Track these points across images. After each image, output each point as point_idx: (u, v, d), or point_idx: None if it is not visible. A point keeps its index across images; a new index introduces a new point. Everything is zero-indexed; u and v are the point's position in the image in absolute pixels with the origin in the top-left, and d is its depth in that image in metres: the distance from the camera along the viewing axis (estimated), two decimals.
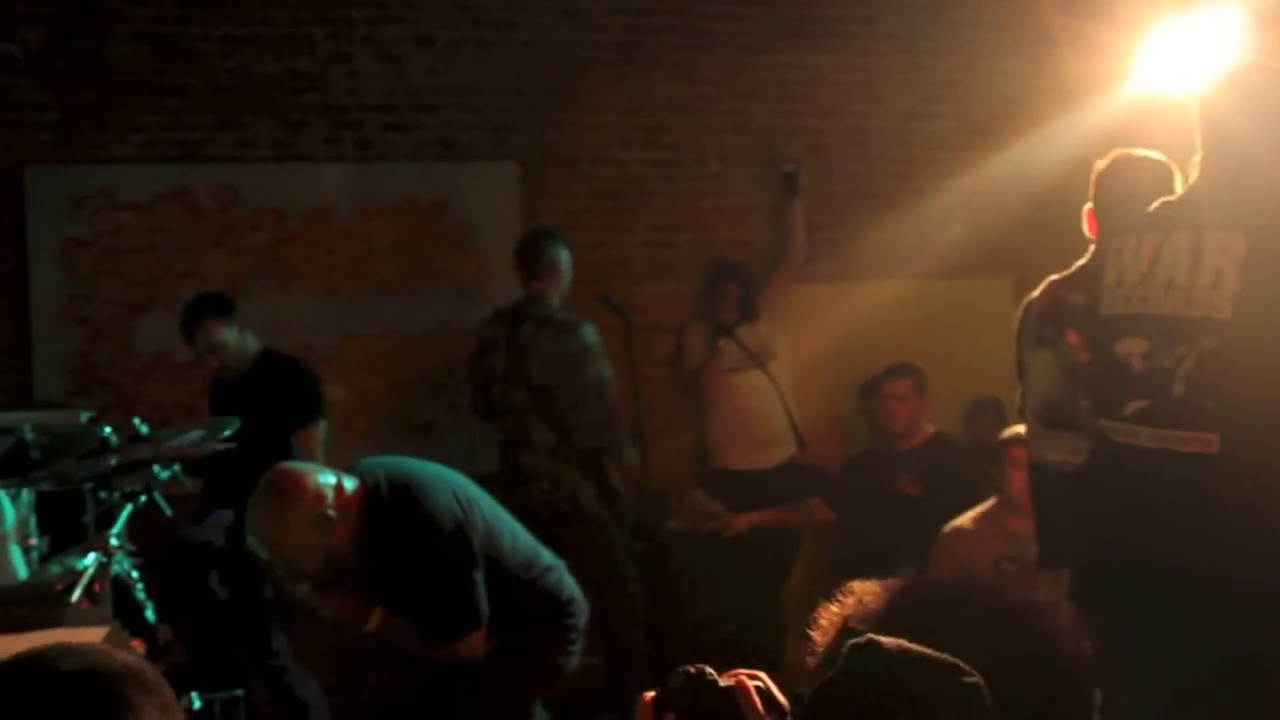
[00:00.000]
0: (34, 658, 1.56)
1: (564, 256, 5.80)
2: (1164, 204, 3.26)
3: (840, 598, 1.67)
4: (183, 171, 6.23)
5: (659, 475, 6.11)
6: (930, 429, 6.27)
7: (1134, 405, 3.17)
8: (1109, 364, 3.27)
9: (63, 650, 1.57)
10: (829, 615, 1.66)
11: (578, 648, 4.20)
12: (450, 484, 4.03)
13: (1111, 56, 6.40)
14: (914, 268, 6.85)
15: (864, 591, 1.66)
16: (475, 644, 3.93)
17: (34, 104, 6.06)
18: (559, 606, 4.16)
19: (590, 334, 5.65)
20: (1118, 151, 4.00)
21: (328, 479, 3.79)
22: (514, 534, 4.15)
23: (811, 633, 1.67)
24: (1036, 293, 4.23)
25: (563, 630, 4.17)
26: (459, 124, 6.53)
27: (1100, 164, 4.02)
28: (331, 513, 3.71)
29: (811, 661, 1.66)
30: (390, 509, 3.84)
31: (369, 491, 3.85)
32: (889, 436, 6.28)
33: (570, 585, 4.23)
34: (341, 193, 6.41)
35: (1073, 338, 3.96)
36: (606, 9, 6.71)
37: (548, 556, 4.23)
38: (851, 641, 1.50)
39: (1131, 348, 3.19)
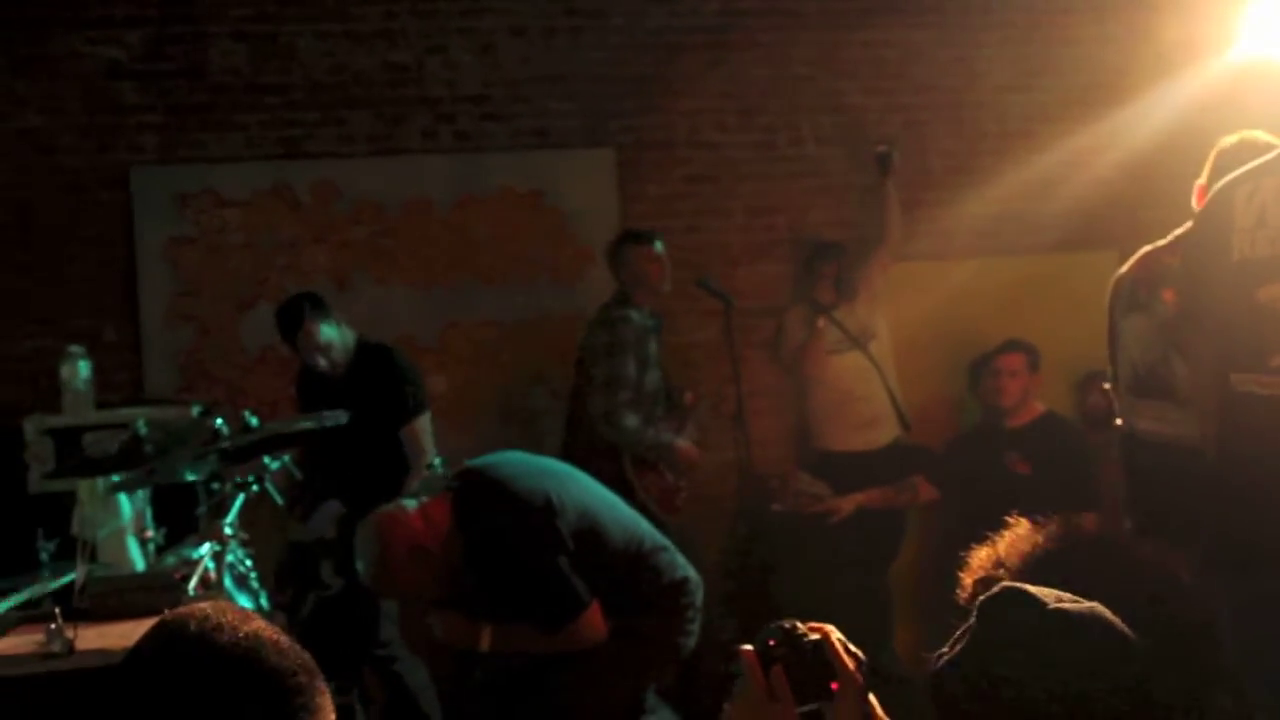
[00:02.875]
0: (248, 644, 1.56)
1: (621, 255, 5.90)
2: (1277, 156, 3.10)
3: (993, 540, 1.68)
4: (283, 168, 6.32)
5: (761, 458, 6.10)
6: (1040, 407, 6.18)
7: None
8: (1247, 311, 3.01)
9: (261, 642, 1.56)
10: (979, 557, 1.67)
11: (694, 627, 4.21)
12: (538, 470, 4.08)
13: (1212, 22, 6.28)
14: (1015, 243, 6.77)
15: (1015, 529, 1.66)
16: (591, 625, 3.94)
17: (138, 105, 6.18)
18: (672, 586, 4.16)
19: (626, 330, 5.72)
20: (1244, 133, 3.91)
21: (410, 506, 3.87)
22: (615, 514, 4.17)
23: (961, 574, 1.68)
24: (1128, 265, 4.18)
25: (677, 610, 4.17)
26: (554, 112, 6.56)
27: (1225, 142, 3.93)
28: (428, 545, 3.79)
29: (963, 596, 1.68)
30: (472, 505, 3.90)
31: (454, 496, 3.91)
32: (998, 413, 6.20)
33: (682, 565, 4.23)
34: (440, 184, 6.46)
35: (1168, 295, 3.89)
36: None
37: (657, 537, 4.24)
38: (995, 590, 1.51)
39: (1277, 293, 2.99)
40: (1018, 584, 1.57)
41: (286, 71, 6.32)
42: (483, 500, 3.91)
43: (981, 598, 1.57)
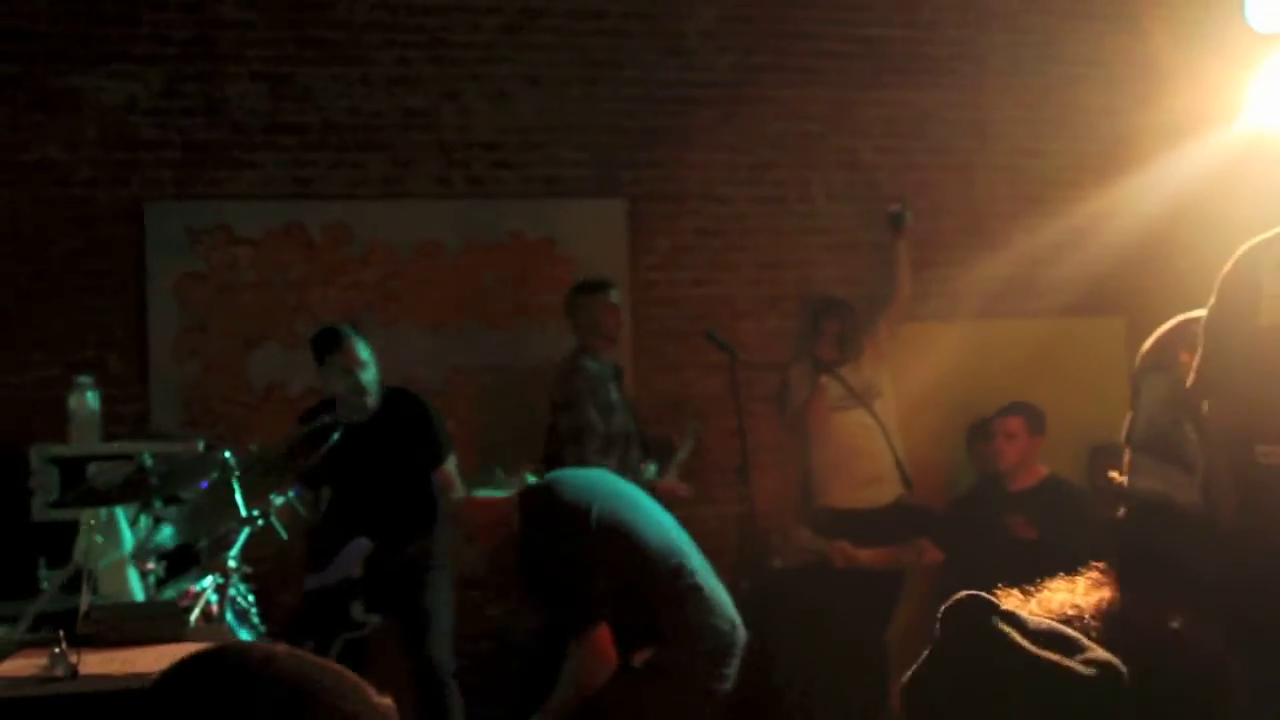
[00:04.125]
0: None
1: (577, 304, 6.07)
2: None
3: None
4: (296, 207, 6.35)
5: (763, 513, 6.08)
6: (1043, 470, 6.17)
7: None
8: (1276, 380, 2.99)
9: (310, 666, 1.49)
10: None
11: (730, 672, 4.23)
12: (598, 485, 4.41)
13: (1219, 93, 6.31)
14: (1023, 306, 6.79)
15: (1004, 599, 1.64)
16: (597, 648, 4.04)
17: (154, 142, 6.22)
18: (713, 629, 4.20)
19: (581, 380, 5.88)
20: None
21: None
22: (665, 538, 4.31)
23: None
24: (1162, 329, 4.17)
25: (713, 652, 4.19)
26: (567, 161, 6.60)
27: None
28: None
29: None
30: (525, 503, 4.32)
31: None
32: (997, 476, 6.19)
33: (728, 608, 4.29)
34: (450, 229, 6.49)
35: (1185, 356, 3.89)
36: (713, 47, 6.76)
37: (707, 575, 4.33)
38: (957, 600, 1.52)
39: None
40: (979, 594, 1.57)
41: (303, 112, 6.37)
42: (533, 499, 4.32)
43: (945, 606, 1.58)
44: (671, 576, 4.22)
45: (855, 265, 6.83)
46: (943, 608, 1.58)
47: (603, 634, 4.05)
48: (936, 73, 6.93)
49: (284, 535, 4.39)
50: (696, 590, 4.25)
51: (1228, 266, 3.80)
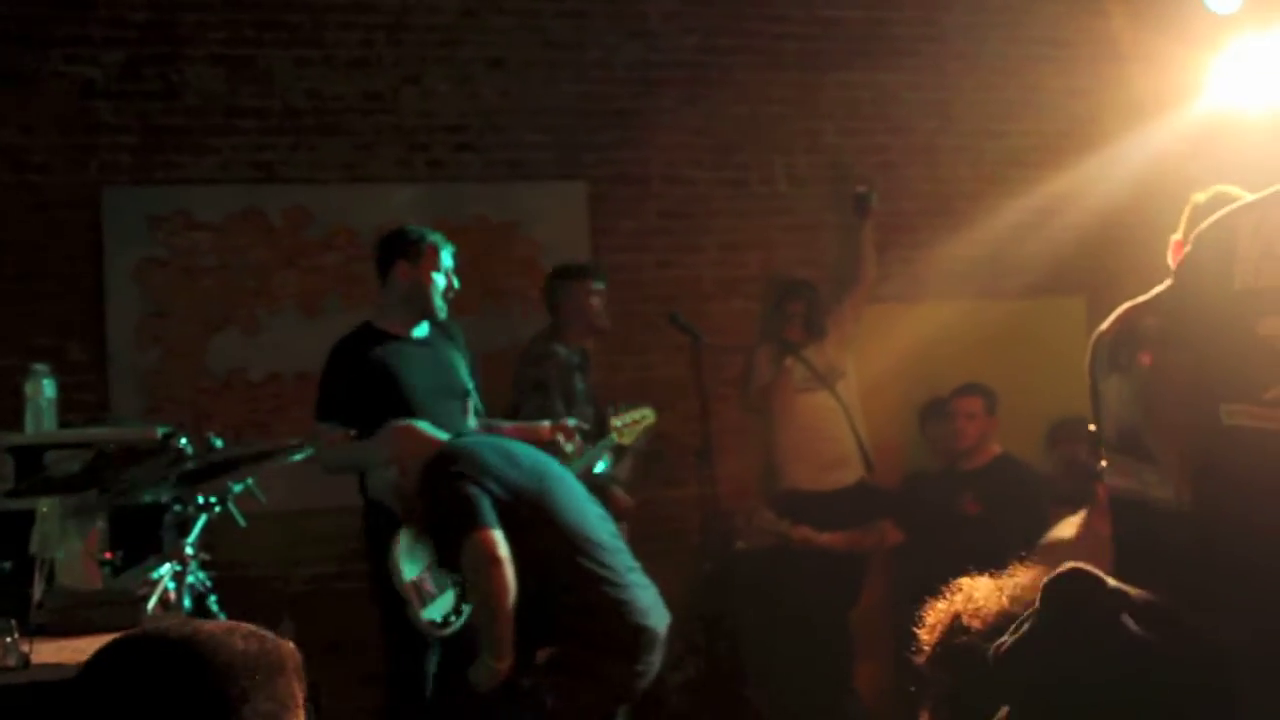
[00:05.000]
0: (175, 638, 1.55)
1: (557, 289, 5.99)
2: None
3: (948, 595, 1.65)
4: (257, 192, 6.31)
5: (726, 495, 6.09)
6: (996, 449, 6.21)
7: (1275, 390, 2.76)
8: (1244, 343, 2.86)
9: (195, 629, 1.56)
10: (936, 613, 1.63)
11: (644, 668, 4.18)
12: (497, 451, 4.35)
13: (1183, 73, 6.34)
14: (985, 287, 6.81)
15: (974, 588, 1.63)
16: (486, 548, 4.00)
17: (112, 126, 6.17)
18: (636, 630, 4.14)
19: (551, 366, 5.81)
20: (1217, 187, 3.93)
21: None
22: (584, 524, 4.25)
23: (918, 631, 1.64)
24: (1107, 322, 4.18)
25: (627, 648, 4.15)
26: (529, 144, 6.58)
27: (1199, 197, 3.96)
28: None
29: (919, 659, 1.64)
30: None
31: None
32: (954, 455, 6.22)
33: (652, 608, 4.21)
34: (413, 213, 6.43)
35: (1145, 359, 3.89)
36: (676, 29, 6.74)
37: (626, 559, 4.27)
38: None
39: (1277, 329, 2.80)
40: (1084, 568, 1.55)
41: (262, 96, 6.32)
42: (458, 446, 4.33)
43: (1047, 580, 1.56)
44: (590, 560, 4.16)
45: (819, 247, 6.83)
46: (1045, 581, 1.55)
47: (488, 536, 4.01)
48: (899, 54, 6.93)
49: (242, 523, 4.37)
50: (611, 578, 4.18)
51: (1204, 226, 3.81)
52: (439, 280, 5.10)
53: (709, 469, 5.89)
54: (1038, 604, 1.52)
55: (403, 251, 5.08)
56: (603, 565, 4.18)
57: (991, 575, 1.63)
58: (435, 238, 5.14)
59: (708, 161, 6.76)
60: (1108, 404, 4.08)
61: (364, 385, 4.90)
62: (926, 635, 1.62)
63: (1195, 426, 2.89)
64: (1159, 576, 3.26)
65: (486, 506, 4.07)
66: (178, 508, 4.38)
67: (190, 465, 4.12)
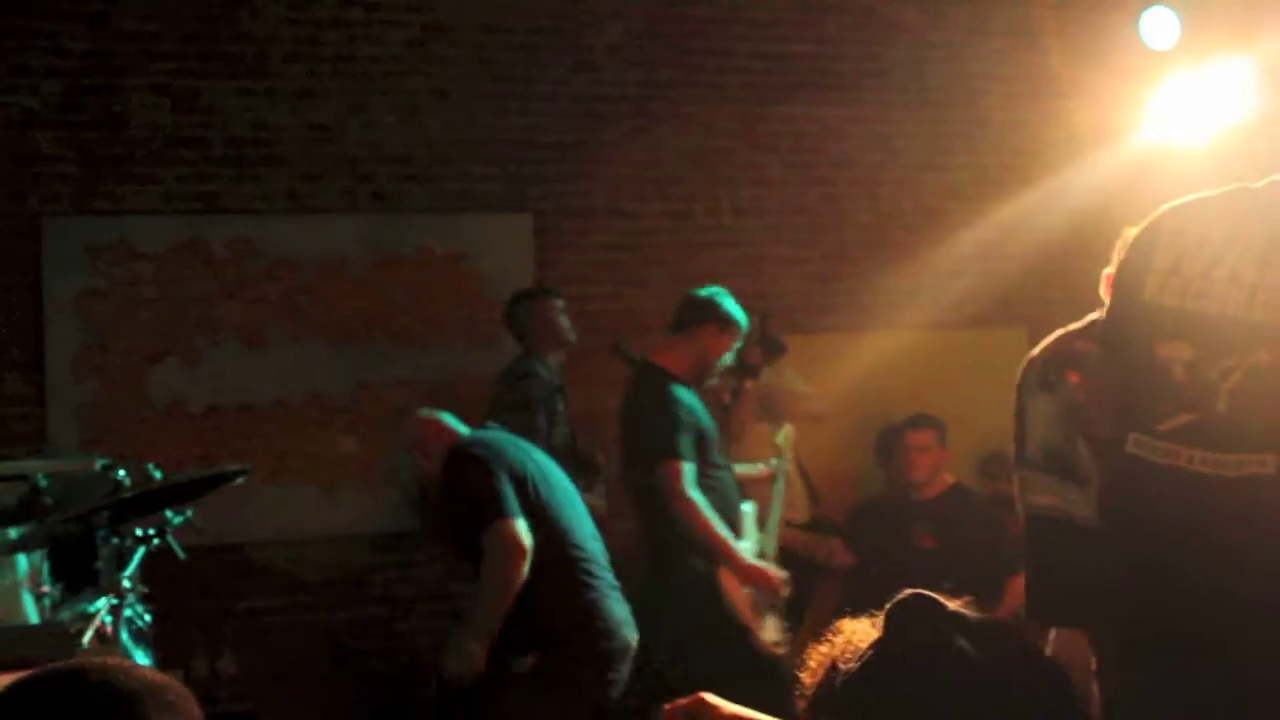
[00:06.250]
0: (62, 672, 1.56)
1: (523, 311, 6.01)
2: (1235, 192, 2.77)
3: (829, 637, 1.64)
4: (199, 223, 6.28)
5: None
6: (949, 480, 6.25)
7: (1174, 420, 2.66)
8: (1146, 368, 2.74)
9: (85, 665, 1.57)
10: (817, 656, 1.63)
11: (618, 678, 4.25)
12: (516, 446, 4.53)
13: (1121, 107, 6.44)
14: (927, 318, 6.86)
15: (852, 629, 1.63)
16: (510, 537, 4.17)
17: (53, 156, 6.12)
18: (606, 630, 4.24)
19: (535, 386, 5.81)
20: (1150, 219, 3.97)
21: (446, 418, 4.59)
22: (581, 530, 4.44)
23: (800, 674, 1.64)
24: (1039, 348, 4.22)
25: (606, 655, 4.22)
26: (475, 176, 6.58)
27: (1131, 231, 4.00)
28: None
29: (800, 704, 1.63)
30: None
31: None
32: (908, 486, 6.25)
33: (620, 609, 4.33)
34: (357, 244, 6.44)
35: (1073, 378, 3.91)
36: (621, 62, 6.77)
37: (610, 574, 4.39)
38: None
39: (1175, 352, 2.69)
40: (925, 594, 1.57)
41: (206, 126, 6.29)
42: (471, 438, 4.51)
43: (889, 605, 1.57)
44: (579, 569, 4.27)
45: (764, 280, 6.86)
46: (887, 606, 1.56)
47: (513, 526, 4.16)
48: (842, 88, 6.99)
49: (181, 555, 4.32)
50: (597, 589, 4.30)
51: (1139, 226, 3.84)
52: (726, 360, 5.28)
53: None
54: (880, 630, 1.54)
55: (716, 319, 5.21)
56: (591, 575, 4.32)
57: (870, 615, 1.63)
58: (744, 326, 5.31)
59: (653, 194, 6.78)
60: (1033, 422, 4.10)
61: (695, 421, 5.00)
62: (808, 678, 1.61)
63: (1110, 458, 2.85)
64: (1075, 596, 3.27)
65: (511, 495, 4.23)
66: (115, 540, 4.32)
67: (128, 496, 4.07)
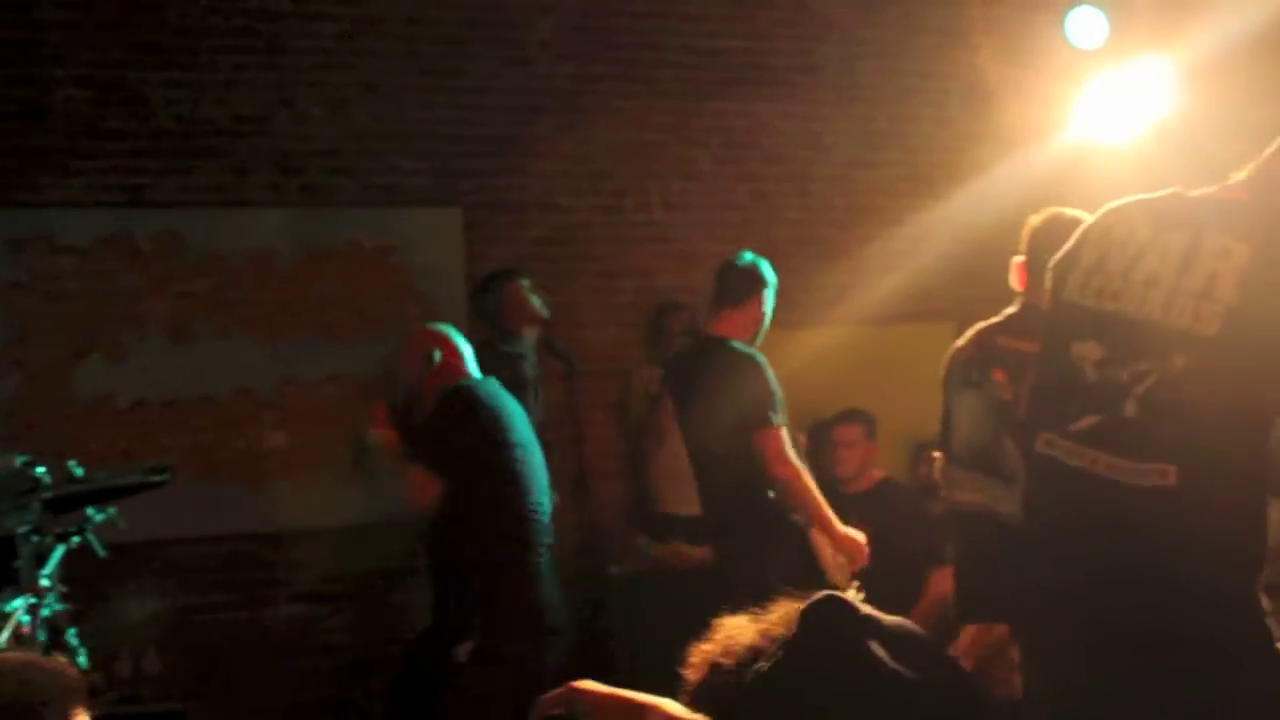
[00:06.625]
0: None
1: (494, 293, 6.06)
2: (1169, 196, 2.77)
3: (711, 635, 1.65)
4: (125, 216, 6.19)
5: (601, 520, 6.10)
6: (878, 474, 6.28)
7: (1083, 421, 2.66)
8: (1061, 367, 2.74)
9: None
10: (700, 653, 1.63)
11: (548, 659, 4.29)
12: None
13: (1049, 105, 6.49)
14: (857, 314, 6.89)
15: (732, 625, 1.63)
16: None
17: None
18: (543, 609, 4.32)
19: (525, 366, 5.91)
20: (1052, 209, 4.04)
21: (452, 333, 4.63)
22: (542, 504, 4.50)
23: (683, 672, 1.64)
24: (963, 340, 4.26)
25: (541, 633, 4.28)
26: (404, 169, 6.54)
27: (1035, 220, 4.07)
28: (437, 352, 4.52)
29: (683, 700, 1.63)
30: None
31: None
32: (836, 481, 6.28)
33: (555, 596, 4.43)
34: (285, 238, 6.39)
35: (998, 375, 3.96)
36: (553, 57, 6.75)
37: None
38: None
39: (1087, 352, 2.69)
40: (837, 595, 1.57)
41: (132, 118, 6.21)
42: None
43: (802, 607, 1.57)
44: (529, 548, 4.33)
45: (694, 274, 6.85)
46: (800, 608, 1.56)
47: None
48: (774, 84, 7.01)
49: (101, 553, 4.27)
50: (539, 569, 4.38)
51: (1023, 281, 3.90)
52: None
53: (585, 495, 5.89)
54: (793, 631, 1.54)
55: (767, 284, 5.28)
56: (537, 553, 4.41)
57: (751, 612, 1.64)
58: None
59: (584, 188, 6.77)
60: (959, 420, 4.15)
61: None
62: (691, 675, 1.62)
63: (1025, 458, 2.86)
64: (997, 591, 3.28)
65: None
66: (35, 538, 4.26)
67: (48, 494, 4.02)
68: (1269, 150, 2.75)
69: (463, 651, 4.20)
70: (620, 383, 6.61)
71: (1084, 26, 6.15)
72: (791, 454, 4.93)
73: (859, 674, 1.51)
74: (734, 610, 1.66)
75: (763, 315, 5.28)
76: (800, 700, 1.51)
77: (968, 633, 4.57)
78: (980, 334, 4.20)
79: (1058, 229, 3.78)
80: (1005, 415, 3.93)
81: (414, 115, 6.54)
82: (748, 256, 5.34)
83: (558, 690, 1.78)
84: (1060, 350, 2.73)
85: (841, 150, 7.09)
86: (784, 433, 4.95)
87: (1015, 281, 4.09)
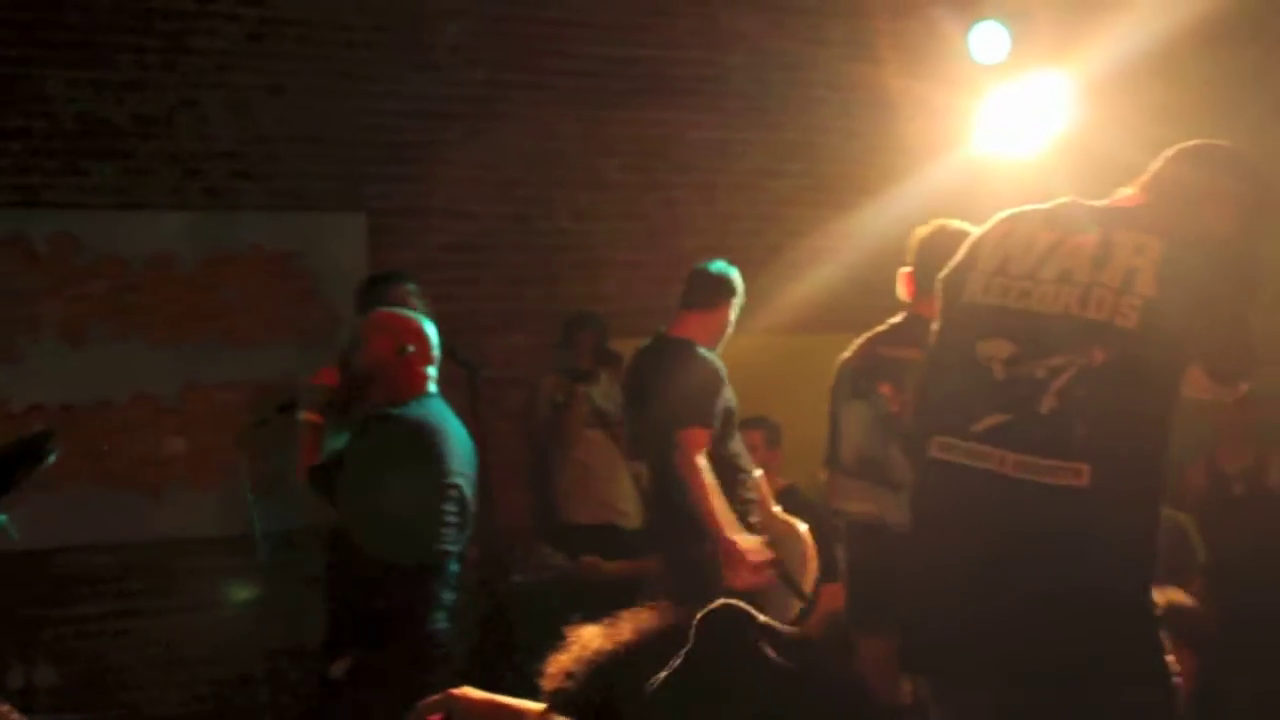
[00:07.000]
0: None
1: (392, 292, 5.86)
2: (1067, 203, 2.82)
3: (567, 644, 1.65)
4: (21, 217, 6.08)
5: (504, 528, 6.06)
6: (781, 482, 6.29)
7: (989, 420, 2.62)
8: (963, 367, 2.71)
9: None
10: (556, 663, 1.64)
11: (435, 681, 4.21)
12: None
13: (952, 119, 6.56)
14: (765, 323, 6.90)
15: (586, 634, 1.64)
16: None
17: None
18: (436, 633, 4.18)
19: None
20: (939, 221, 4.11)
21: (430, 332, 4.48)
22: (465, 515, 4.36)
23: (540, 682, 1.65)
24: (850, 351, 4.30)
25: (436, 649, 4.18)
26: (309, 174, 6.48)
27: (921, 231, 4.13)
28: (410, 347, 4.34)
29: (541, 706, 1.64)
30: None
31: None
32: None
33: (445, 611, 4.26)
34: (186, 241, 6.30)
35: (884, 389, 4.01)
36: (461, 62, 6.72)
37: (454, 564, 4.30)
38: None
39: (994, 351, 2.67)
40: (735, 603, 1.58)
41: (28, 116, 6.10)
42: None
43: (700, 614, 1.58)
44: (444, 570, 4.23)
45: (602, 283, 6.87)
46: (698, 616, 1.57)
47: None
48: (682, 94, 7.03)
49: (14, 536, 4.16)
50: (445, 593, 4.24)
51: (909, 291, 3.95)
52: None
53: (487, 502, 5.84)
54: (691, 639, 1.56)
55: (735, 293, 5.37)
56: (443, 580, 4.25)
57: (602, 623, 1.65)
58: None
59: (491, 196, 6.75)
60: (846, 430, 4.19)
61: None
62: (548, 684, 1.63)
63: (917, 465, 2.85)
64: (889, 599, 3.31)
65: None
66: None
67: None
68: (1158, 162, 2.83)
69: (339, 668, 4.11)
70: (525, 391, 6.58)
71: (987, 41, 6.23)
72: (699, 457, 4.89)
73: (754, 680, 1.51)
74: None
75: (728, 323, 5.33)
76: (698, 706, 1.51)
77: (868, 644, 4.60)
78: (865, 344, 4.25)
79: (944, 240, 3.85)
80: (891, 426, 3.98)
81: (320, 119, 6.48)
82: (720, 264, 5.40)
83: (435, 696, 1.77)
84: (963, 352, 2.72)
85: (749, 160, 7.13)
86: (703, 437, 4.93)
87: (902, 291, 4.14)
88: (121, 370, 6.11)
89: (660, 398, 5.08)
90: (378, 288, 5.88)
